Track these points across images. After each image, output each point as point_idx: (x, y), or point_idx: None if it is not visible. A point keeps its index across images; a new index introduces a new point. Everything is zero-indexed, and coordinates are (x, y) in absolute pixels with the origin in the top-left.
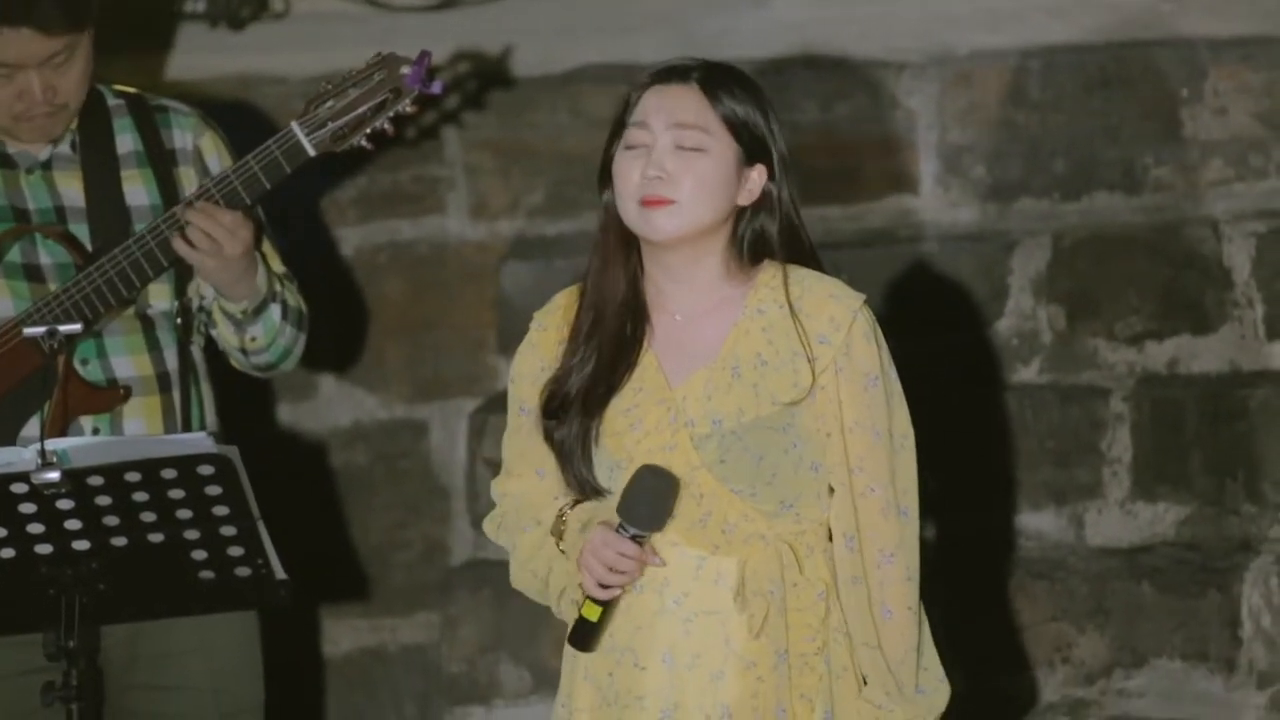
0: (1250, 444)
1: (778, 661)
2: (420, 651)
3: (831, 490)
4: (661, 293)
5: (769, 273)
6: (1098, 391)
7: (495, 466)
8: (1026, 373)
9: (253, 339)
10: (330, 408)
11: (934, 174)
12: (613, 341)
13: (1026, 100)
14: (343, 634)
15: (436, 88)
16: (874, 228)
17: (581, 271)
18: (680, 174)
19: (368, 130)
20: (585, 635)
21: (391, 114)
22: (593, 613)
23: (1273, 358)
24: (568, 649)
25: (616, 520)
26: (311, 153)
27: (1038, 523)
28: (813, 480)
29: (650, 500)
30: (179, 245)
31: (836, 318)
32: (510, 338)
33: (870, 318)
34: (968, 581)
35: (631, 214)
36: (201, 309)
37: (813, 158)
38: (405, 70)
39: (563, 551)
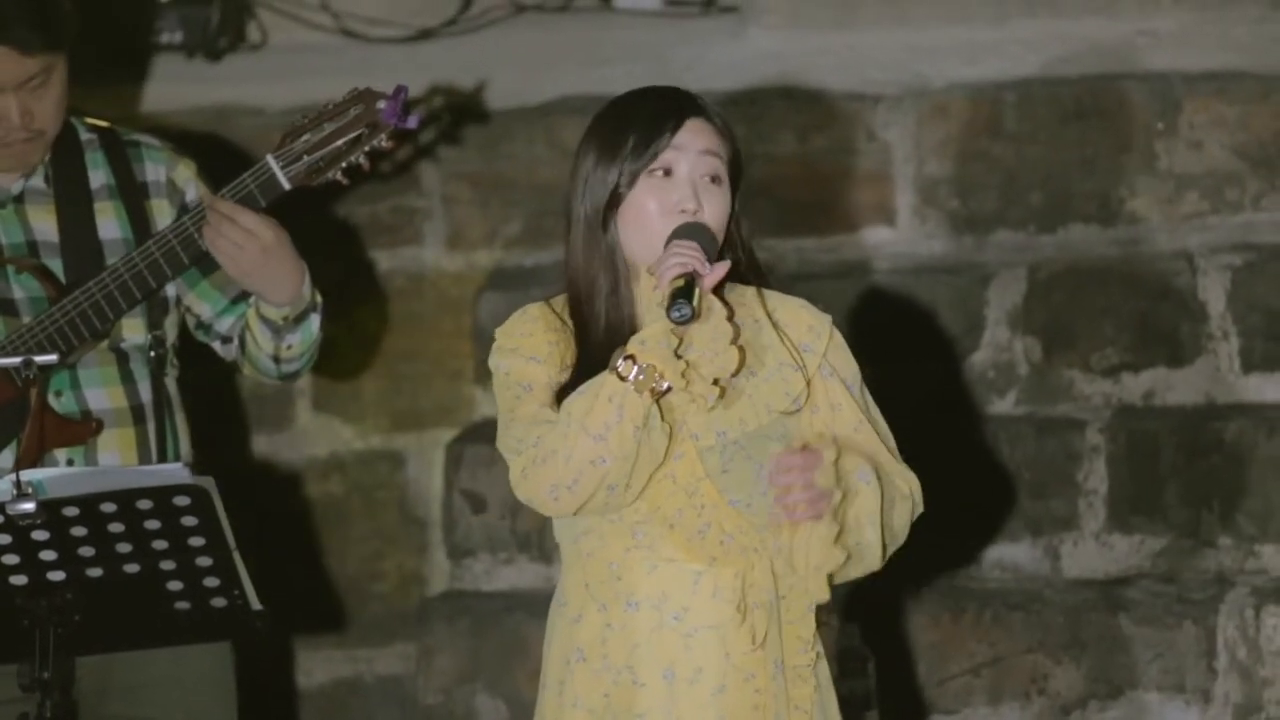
0: (1226, 476)
1: (775, 672)
2: (396, 682)
3: None
4: (650, 313)
5: (739, 293)
6: (1073, 423)
7: (473, 498)
8: (1002, 404)
9: (289, 347)
10: (307, 438)
11: (910, 206)
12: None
13: (1002, 133)
14: (318, 665)
15: (413, 122)
16: (850, 259)
17: (549, 292)
18: (708, 208)
19: (343, 165)
20: (684, 297)
21: (368, 149)
22: (680, 280)
23: (1248, 390)
24: (542, 691)
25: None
26: (287, 186)
27: (1013, 554)
28: None
29: (693, 229)
30: (209, 238)
31: (815, 327)
32: (487, 368)
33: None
34: (943, 612)
35: (650, 243)
36: (173, 344)
37: (789, 189)
38: (381, 105)
39: (619, 374)
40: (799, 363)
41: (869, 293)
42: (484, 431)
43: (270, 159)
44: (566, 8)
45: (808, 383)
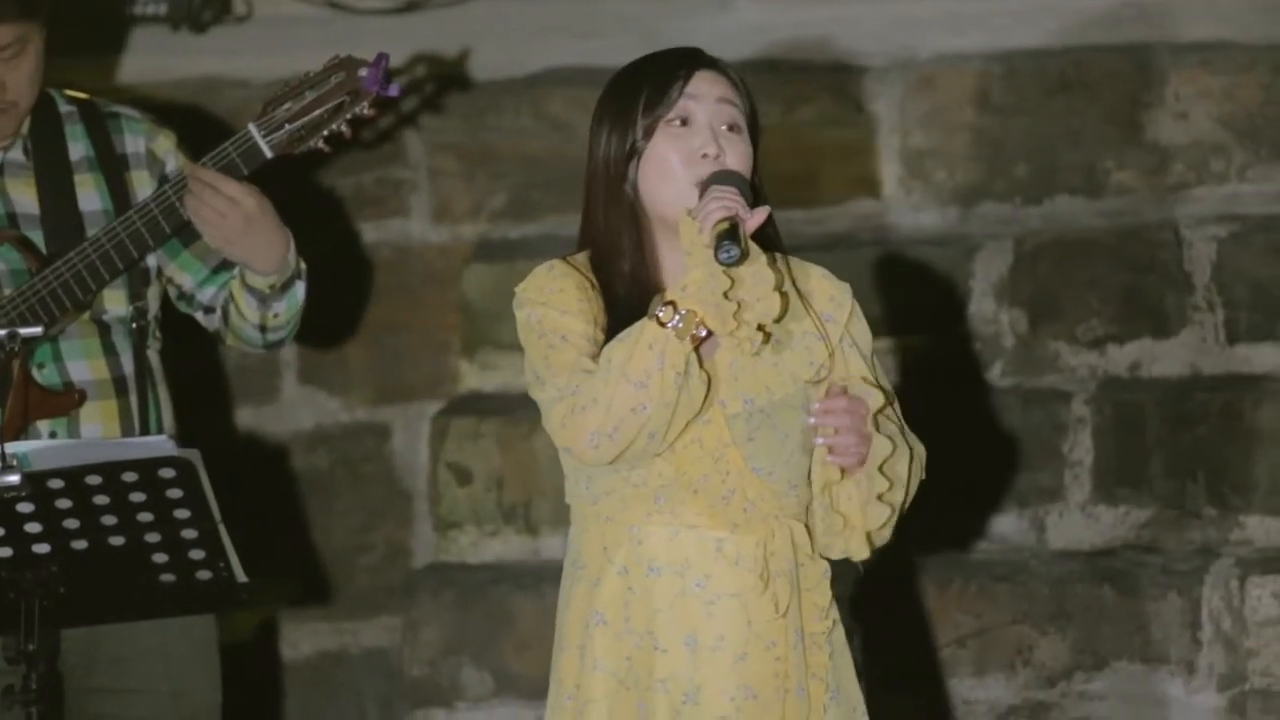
0: (1211, 447)
1: (796, 640)
2: (382, 655)
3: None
4: (674, 280)
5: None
6: (1059, 395)
7: (459, 471)
8: (988, 376)
9: (275, 315)
10: (292, 411)
11: (896, 177)
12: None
13: (989, 104)
14: (303, 637)
15: (394, 90)
16: (836, 231)
17: (537, 263)
18: (730, 154)
19: (325, 133)
20: (731, 239)
21: (349, 116)
22: (724, 224)
23: (1233, 361)
24: (559, 654)
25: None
26: (269, 155)
27: (999, 525)
28: (808, 462)
29: (728, 176)
30: (191, 207)
31: (836, 296)
32: (473, 340)
33: None
34: (927, 583)
35: (676, 193)
36: (156, 316)
37: (775, 161)
38: (363, 73)
39: (659, 321)
40: (822, 332)
41: (855, 265)
42: (470, 404)
43: (252, 127)
44: None
45: (830, 353)
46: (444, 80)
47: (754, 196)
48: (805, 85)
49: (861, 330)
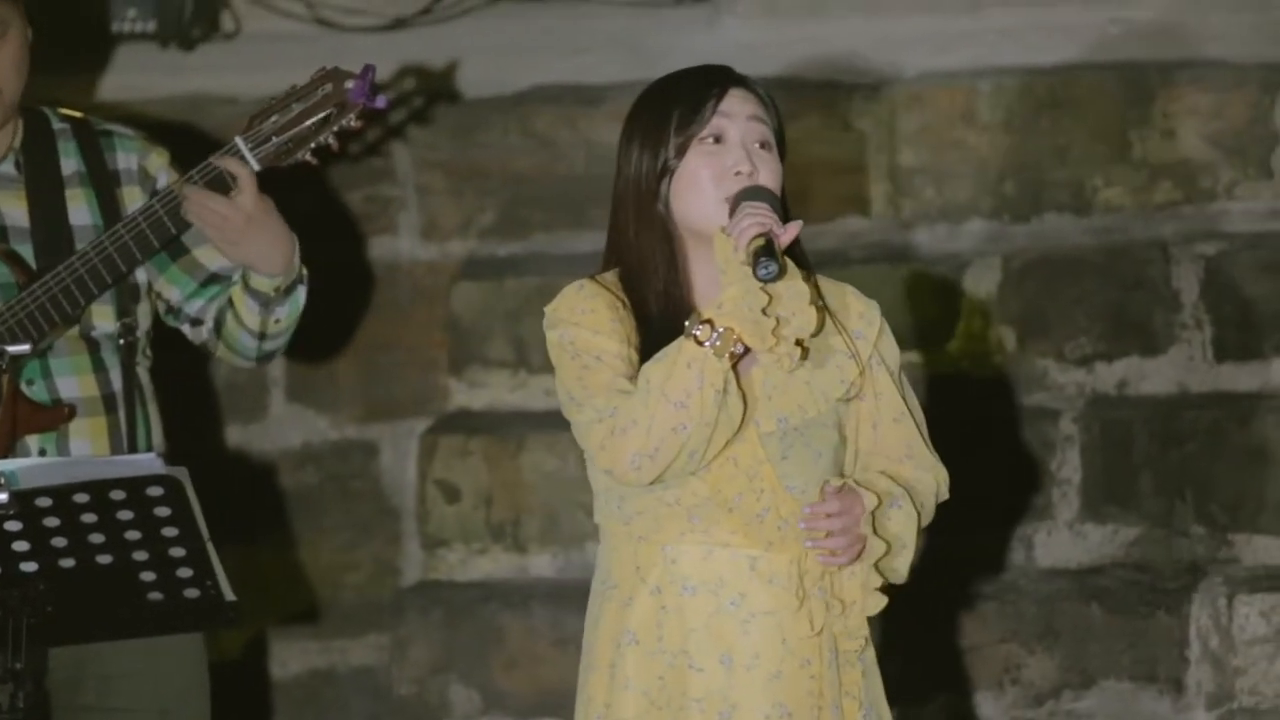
0: (1199, 465)
1: (831, 659)
2: (370, 673)
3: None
4: (706, 298)
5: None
6: (1047, 413)
7: (447, 488)
8: (976, 394)
9: (277, 321)
10: (280, 428)
11: (884, 195)
12: (672, 339)
13: (977, 122)
14: (292, 655)
15: (381, 102)
16: (825, 249)
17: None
18: (762, 169)
19: (312, 145)
20: (768, 255)
21: (336, 129)
22: (760, 240)
23: (1221, 379)
24: (589, 672)
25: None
26: (256, 168)
27: (987, 543)
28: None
29: (759, 192)
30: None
31: (866, 315)
32: (461, 358)
33: None
34: (917, 602)
35: (708, 211)
36: (146, 332)
37: None
38: (349, 85)
39: (696, 339)
40: (853, 350)
41: (843, 282)
42: (458, 421)
43: (239, 140)
44: None
45: (861, 371)
46: (432, 97)
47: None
48: (794, 103)
49: (890, 348)
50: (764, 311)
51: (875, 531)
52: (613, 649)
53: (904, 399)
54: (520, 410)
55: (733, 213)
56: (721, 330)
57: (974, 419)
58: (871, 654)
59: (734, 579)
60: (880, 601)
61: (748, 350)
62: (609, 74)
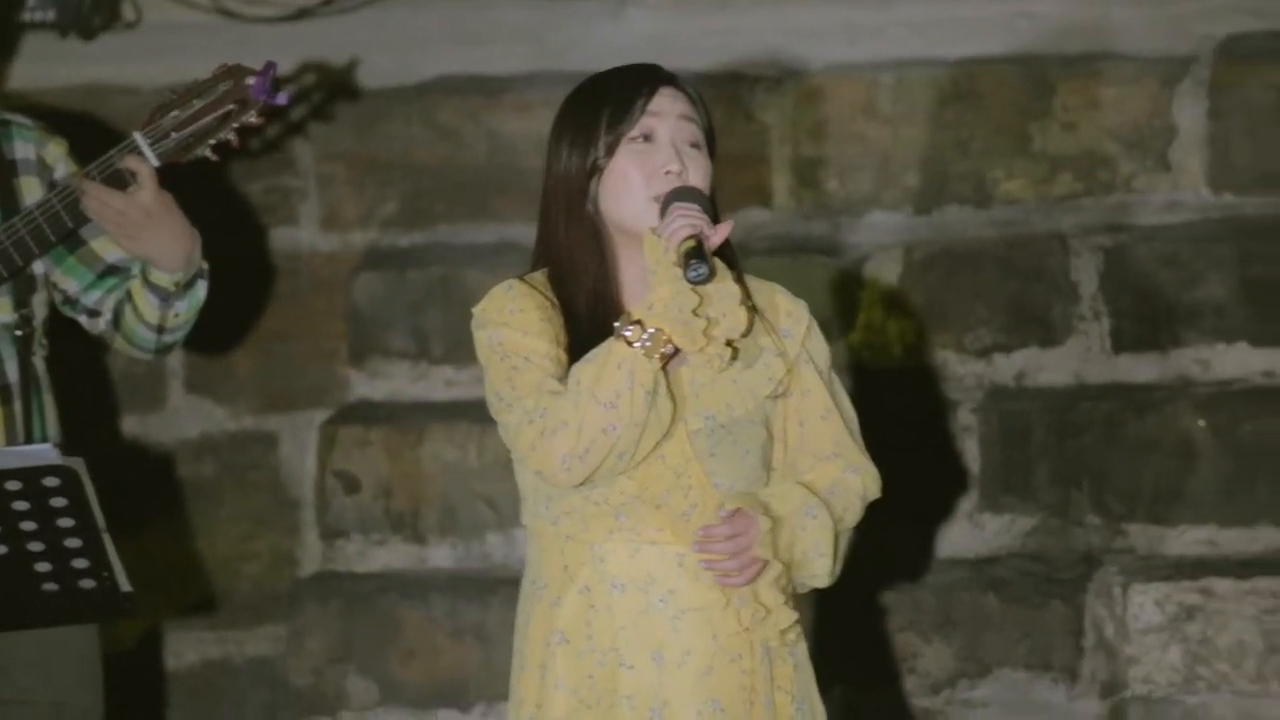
0: (1095, 456)
1: (762, 654)
2: (266, 664)
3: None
4: (635, 297)
5: (720, 271)
6: (947, 404)
7: (346, 479)
8: (876, 384)
9: (176, 315)
10: (178, 419)
11: (787, 187)
12: (601, 339)
13: (878, 114)
14: (188, 646)
15: (282, 99)
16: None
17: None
18: (691, 170)
19: (213, 141)
20: (698, 257)
21: (237, 125)
22: (691, 241)
23: (1118, 371)
24: (519, 673)
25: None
26: (155, 163)
27: (886, 533)
28: (766, 477)
29: (689, 193)
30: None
31: (794, 313)
32: (362, 348)
33: None
34: (815, 592)
35: (638, 210)
36: (43, 323)
37: None
38: (250, 81)
39: (626, 340)
40: (780, 349)
41: (772, 282)
42: (358, 412)
43: (138, 136)
44: None
45: (788, 369)
46: (333, 88)
47: (714, 213)
48: None
49: (819, 346)
50: (694, 312)
51: (782, 546)
52: (543, 649)
53: (833, 397)
54: (421, 401)
55: (663, 213)
56: (652, 331)
57: (874, 410)
58: (804, 647)
59: (663, 576)
60: (789, 616)
61: (677, 351)
62: (512, 65)
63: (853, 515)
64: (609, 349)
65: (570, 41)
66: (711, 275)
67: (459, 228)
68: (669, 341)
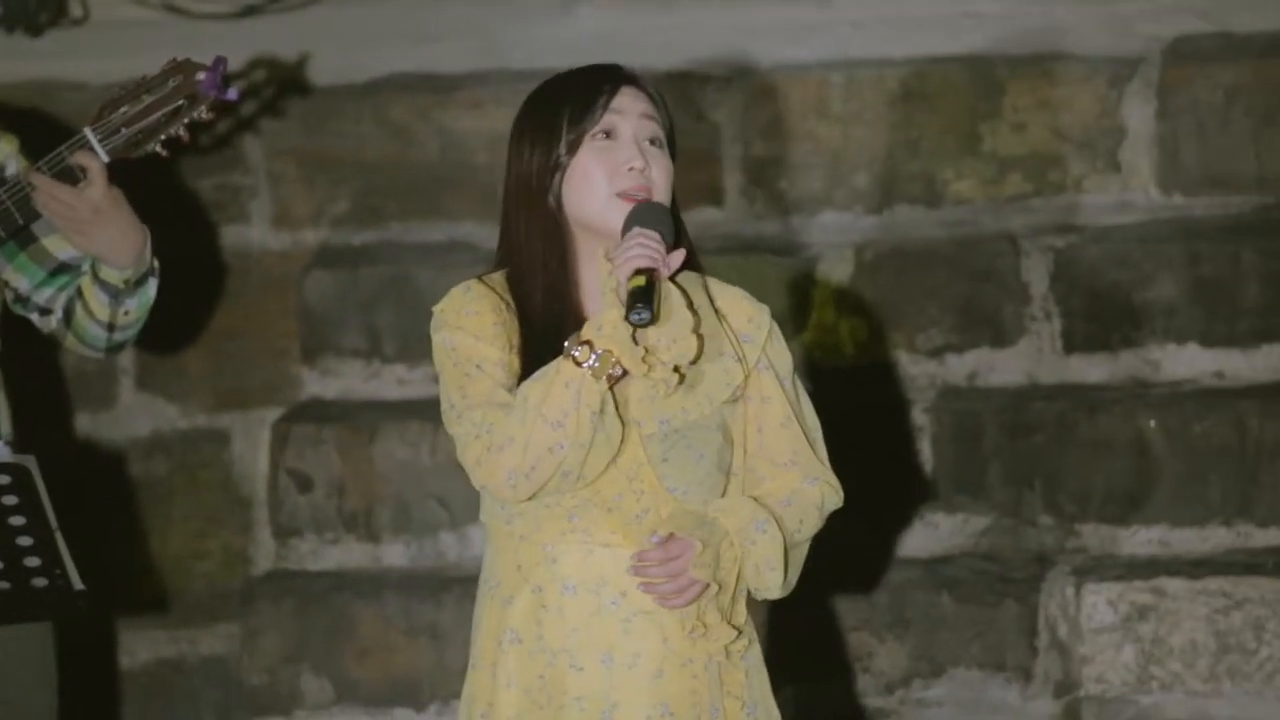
0: (1047, 456)
1: (709, 660)
2: (220, 663)
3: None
4: (594, 296)
5: (683, 278)
6: (899, 404)
7: (299, 477)
8: (829, 384)
9: (126, 312)
10: (130, 417)
11: (738, 186)
12: (564, 337)
13: (829, 114)
14: (140, 645)
15: (232, 94)
16: None
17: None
18: (654, 167)
19: (163, 137)
20: (645, 299)
21: (187, 121)
22: (640, 280)
23: (1069, 371)
24: (472, 671)
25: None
26: (105, 159)
27: (839, 531)
28: (723, 482)
29: (650, 209)
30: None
31: (755, 318)
32: (314, 347)
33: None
34: None
35: (600, 207)
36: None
37: None
38: (200, 76)
39: (575, 360)
40: (740, 354)
41: (736, 286)
42: (310, 410)
43: (88, 131)
44: None
45: (747, 374)
46: (283, 85)
47: (673, 220)
48: None
49: (780, 353)
50: (634, 339)
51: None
52: (495, 648)
53: (794, 404)
54: (373, 399)
55: (624, 231)
56: (600, 353)
57: (826, 410)
58: (756, 652)
59: (614, 578)
60: (728, 634)
61: (625, 373)
62: (462, 63)
63: (810, 526)
64: (557, 368)
65: (520, 39)
66: (653, 321)
67: (410, 226)
68: (617, 363)
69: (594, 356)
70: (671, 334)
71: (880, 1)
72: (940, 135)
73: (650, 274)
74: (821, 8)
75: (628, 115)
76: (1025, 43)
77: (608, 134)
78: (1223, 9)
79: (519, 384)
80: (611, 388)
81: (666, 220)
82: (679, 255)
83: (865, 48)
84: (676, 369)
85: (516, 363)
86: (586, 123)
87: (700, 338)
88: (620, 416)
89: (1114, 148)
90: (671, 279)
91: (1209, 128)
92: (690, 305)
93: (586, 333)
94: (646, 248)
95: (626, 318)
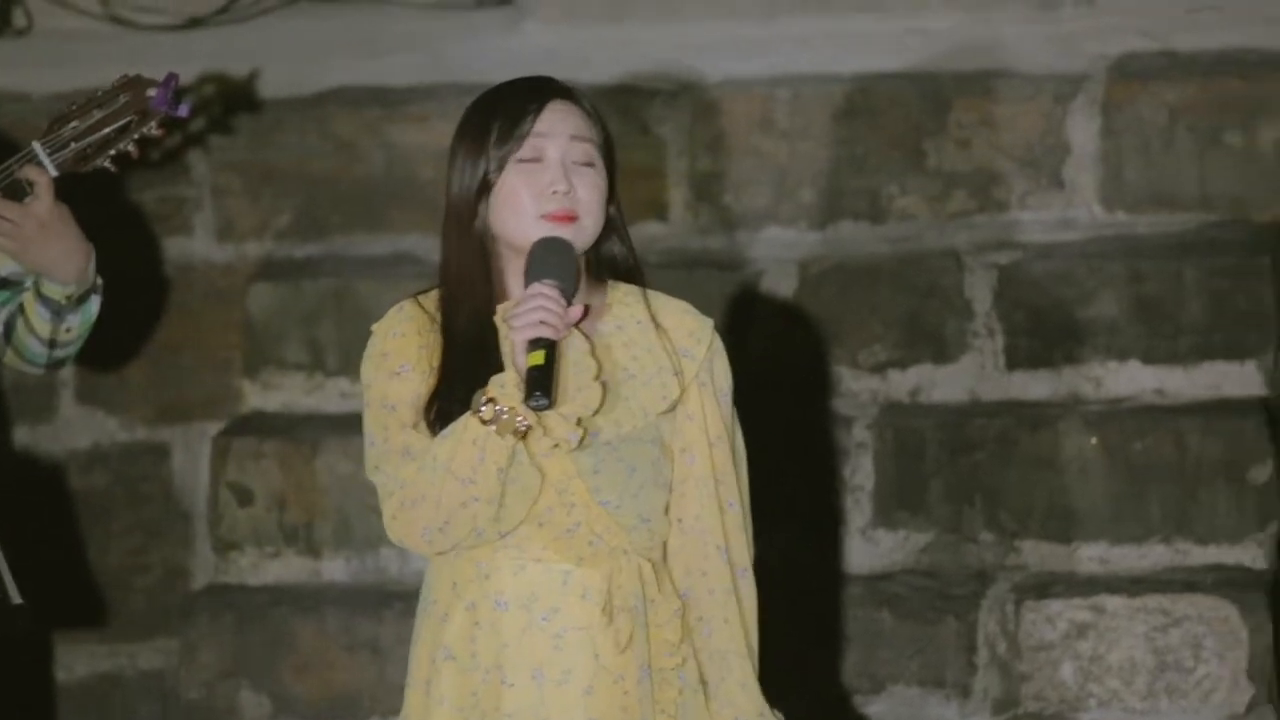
0: (989, 473)
1: (642, 676)
2: (158, 677)
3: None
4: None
5: (622, 291)
6: (841, 419)
7: (239, 491)
8: (771, 399)
9: (68, 330)
10: (69, 429)
11: (683, 201)
12: (485, 358)
13: (774, 129)
14: (78, 659)
15: (183, 110)
16: None
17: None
18: (581, 189)
19: (112, 152)
20: (543, 380)
21: (137, 136)
22: (538, 357)
23: (1012, 388)
24: (408, 690)
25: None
26: (54, 173)
27: (780, 547)
28: (663, 496)
29: (555, 253)
30: None
31: (696, 332)
32: (256, 360)
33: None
34: None
35: (526, 229)
36: None
37: None
38: (151, 92)
39: (481, 418)
40: (677, 367)
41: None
42: (251, 424)
43: (36, 145)
44: None
45: (683, 389)
46: (228, 97)
47: (609, 225)
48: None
49: (721, 369)
50: None
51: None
52: (429, 665)
53: (727, 423)
54: (315, 413)
55: (526, 271)
56: (504, 409)
57: (768, 426)
58: (693, 671)
59: (546, 594)
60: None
61: (530, 428)
62: (408, 77)
63: (756, 627)
64: (464, 424)
65: (467, 54)
66: (551, 405)
67: (354, 239)
68: (523, 419)
69: (498, 412)
70: (573, 384)
71: (825, 17)
72: (885, 151)
73: (548, 349)
74: (767, 23)
75: (554, 137)
76: (970, 59)
77: (534, 157)
78: (1167, 28)
79: (428, 410)
80: (522, 439)
81: (569, 259)
82: (577, 310)
83: (810, 63)
84: (579, 422)
85: (426, 397)
86: (512, 144)
87: (604, 385)
88: (541, 470)
89: (1058, 165)
90: (576, 325)
91: (1153, 146)
92: (593, 351)
93: (491, 389)
94: (545, 312)
95: (525, 401)
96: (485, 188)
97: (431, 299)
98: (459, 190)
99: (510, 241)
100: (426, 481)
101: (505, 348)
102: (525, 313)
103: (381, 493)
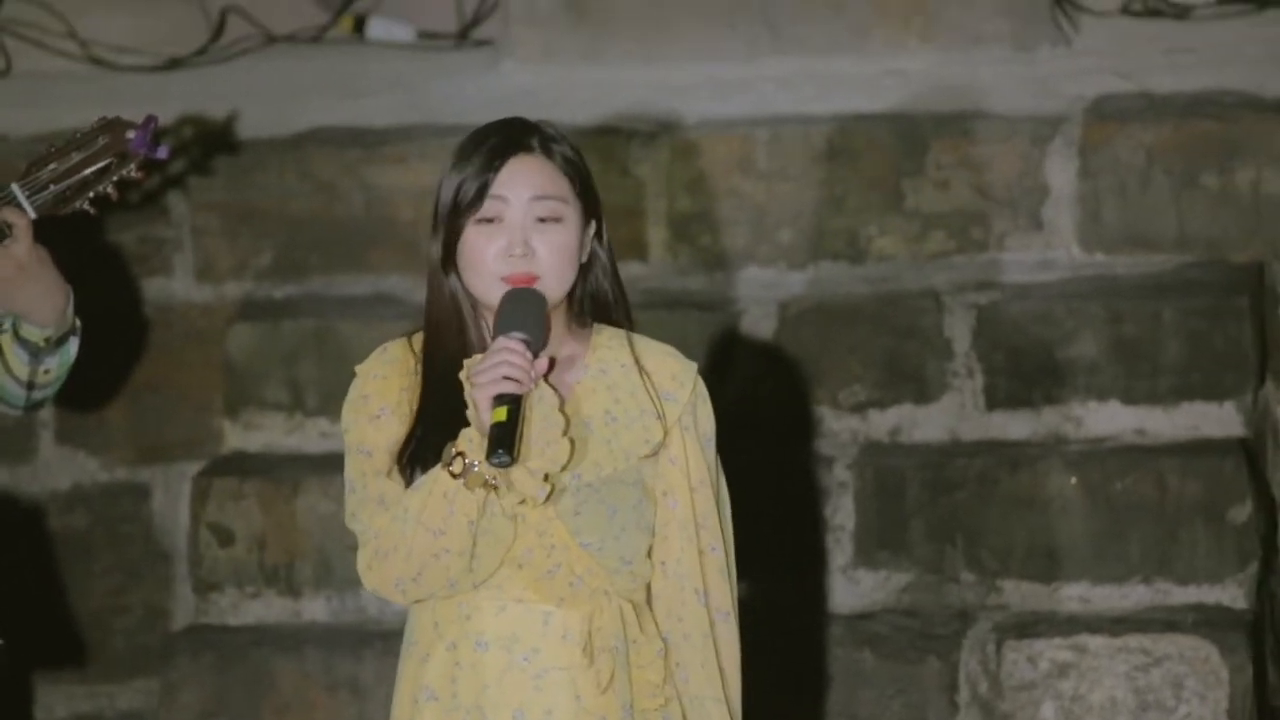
0: (969, 513)
1: (625, 716)
2: (138, 718)
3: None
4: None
5: (606, 334)
6: (822, 459)
7: (220, 531)
8: (752, 439)
9: (46, 371)
10: (49, 470)
11: (662, 241)
12: (460, 406)
13: (754, 170)
14: (58, 700)
15: (163, 153)
16: None
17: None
18: (542, 249)
19: (91, 194)
20: (505, 437)
21: (116, 178)
22: (501, 414)
23: (991, 427)
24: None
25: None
26: (33, 215)
27: (761, 587)
28: (646, 539)
29: (523, 307)
30: None
31: (679, 376)
32: (236, 400)
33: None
34: None
35: (486, 287)
36: None
37: None
38: (131, 135)
39: (450, 472)
40: (660, 411)
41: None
42: (232, 464)
43: (15, 187)
44: (319, 39)
45: (665, 432)
46: (208, 138)
47: (593, 264)
48: None
49: (705, 414)
50: None
51: None
52: (411, 706)
53: (710, 469)
54: (295, 453)
55: (495, 324)
56: (473, 464)
57: (749, 466)
58: (676, 712)
59: (527, 635)
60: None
61: (497, 483)
62: (388, 117)
63: (737, 672)
64: (435, 477)
65: (446, 94)
66: (514, 462)
67: (334, 279)
68: (491, 475)
69: (467, 465)
70: (542, 439)
71: (804, 59)
72: (864, 192)
73: (511, 404)
74: (746, 65)
75: (513, 198)
76: (948, 101)
77: (493, 218)
78: (1144, 69)
79: (400, 455)
80: (492, 492)
81: (538, 312)
82: (543, 363)
83: (789, 104)
84: (547, 477)
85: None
86: (473, 204)
87: (572, 442)
88: (515, 517)
89: (1036, 206)
90: (545, 378)
91: (1130, 187)
92: (561, 406)
93: (460, 443)
94: (510, 367)
95: (487, 459)
96: (455, 239)
97: (416, 342)
98: (433, 243)
99: (476, 298)
100: (399, 532)
101: (470, 404)
102: (489, 368)
103: (359, 539)
